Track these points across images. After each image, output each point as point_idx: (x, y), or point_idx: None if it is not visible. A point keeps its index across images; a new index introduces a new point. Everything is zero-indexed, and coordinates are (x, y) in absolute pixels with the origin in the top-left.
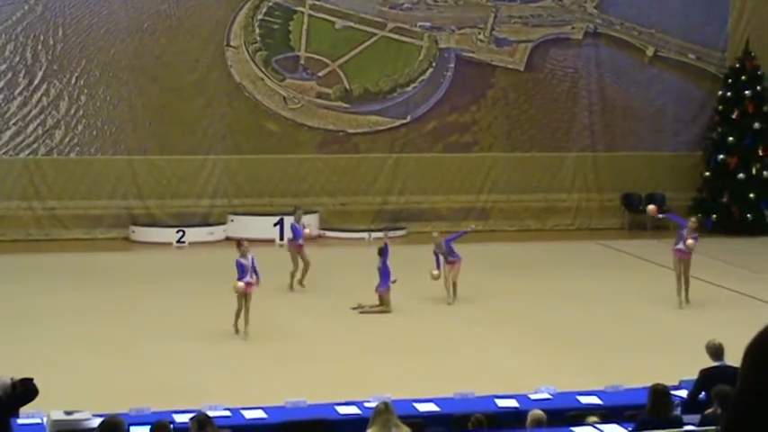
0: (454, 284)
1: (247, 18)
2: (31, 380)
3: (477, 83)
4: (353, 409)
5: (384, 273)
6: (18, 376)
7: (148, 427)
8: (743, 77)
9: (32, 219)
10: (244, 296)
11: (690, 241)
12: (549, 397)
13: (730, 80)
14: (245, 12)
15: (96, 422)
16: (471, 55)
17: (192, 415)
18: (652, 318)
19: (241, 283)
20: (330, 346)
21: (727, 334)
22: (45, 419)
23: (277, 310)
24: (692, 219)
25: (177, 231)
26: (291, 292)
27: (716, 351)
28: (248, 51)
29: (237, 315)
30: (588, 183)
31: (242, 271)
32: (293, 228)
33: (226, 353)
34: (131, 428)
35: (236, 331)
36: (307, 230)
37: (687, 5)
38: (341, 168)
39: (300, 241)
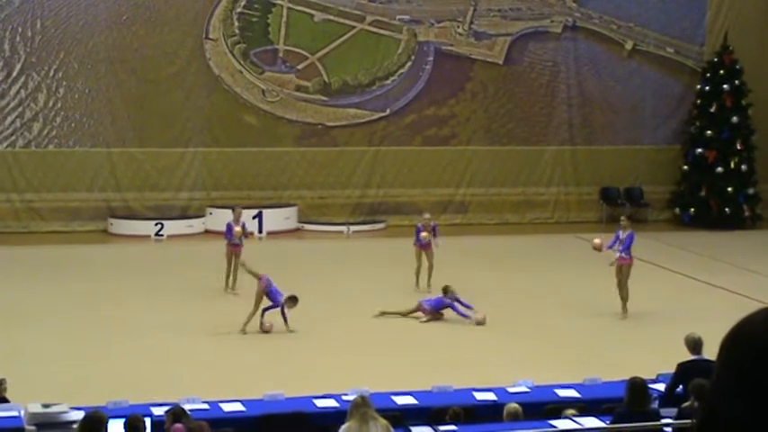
0: (431, 267)
1: (226, 11)
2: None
3: (456, 76)
4: (331, 403)
5: None
6: None
7: (124, 419)
8: (721, 71)
9: (10, 211)
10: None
11: (596, 240)
12: (527, 390)
13: (708, 74)
14: (224, 4)
15: (74, 415)
16: (450, 48)
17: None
18: (629, 311)
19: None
20: (308, 339)
21: (705, 327)
22: (22, 412)
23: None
24: (622, 217)
25: (156, 224)
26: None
27: (694, 344)
28: (227, 44)
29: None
30: (567, 176)
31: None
32: (228, 227)
33: (204, 346)
34: (109, 421)
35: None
36: (237, 228)
37: None
38: (319, 161)
39: (236, 241)
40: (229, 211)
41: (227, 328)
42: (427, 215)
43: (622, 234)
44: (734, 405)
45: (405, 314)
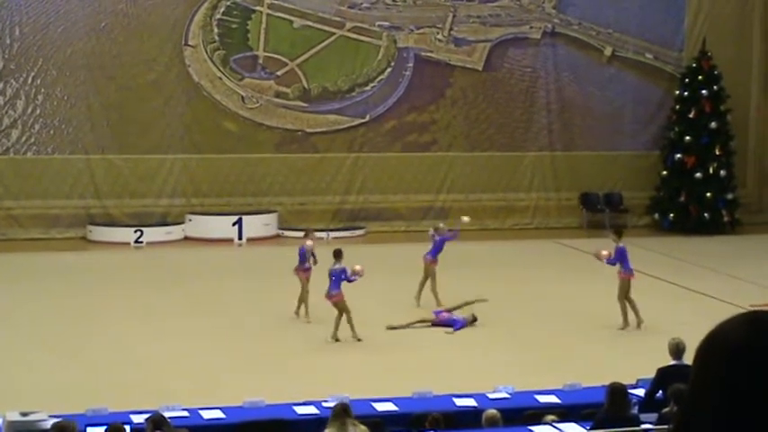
0: (423, 284)
1: (205, 17)
2: None
3: (436, 82)
4: (311, 409)
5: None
6: None
7: (104, 428)
8: (700, 77)
9: None
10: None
11: (604, 252)
12: (508, 396)
13: (687, 80)
14: (204, 11)
15: (52, 423)
16: (430, 54)
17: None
18: (610, 316)
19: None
20: (287, 345)
21: (683, 332)
22: (1, 420)
23: (233, 310)
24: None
25: (135, 231)
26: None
27: (677, 349)
28: (206, 51)
29: (301, 300)
30: (546, 182)
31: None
32: (300, 252)
33: (184, 353)
34: (88, 429)
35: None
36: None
37: (644, 5)
38: (299, 168)
39: (307, 265)
40: (210, 218)
41: (207, 335)
42: (442, 225)
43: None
44: (710, 409)
45: (416, 322)
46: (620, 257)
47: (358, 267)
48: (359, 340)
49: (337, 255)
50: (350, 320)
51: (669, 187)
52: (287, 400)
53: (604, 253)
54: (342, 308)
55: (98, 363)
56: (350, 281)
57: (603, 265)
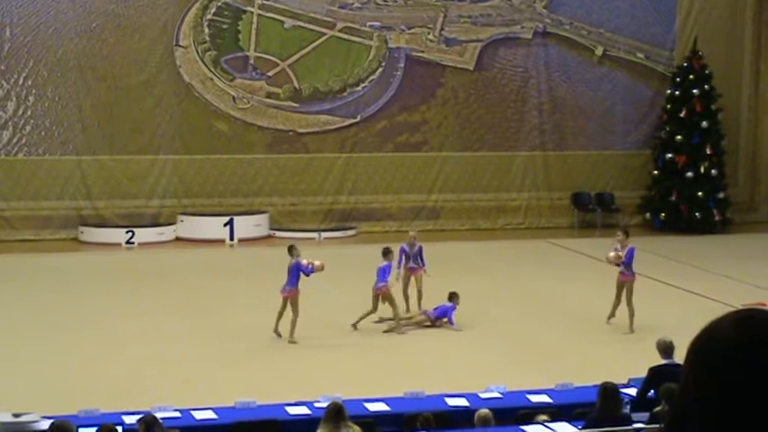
0: (419, 293)
1: (196, 18)
2: None
3: (427, 82)
4: (303, 410)
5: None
6: None
7: (96, 428)
8: (691, 76)
9: None
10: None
11: (611, 254)
12: (500, 396)
13: (678, 79)
14: (195, 12)
15: (45, 424)
16: (421, 54)
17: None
18: (601, 316)
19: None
20: (280, 346)
21: (675, 331)
22: None
23: (225, 311)
24: (618, 233)
25: (127, 232)
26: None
27: (666, 348)
28: (197, 51)
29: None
30: (538, 182)
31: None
32: (381, 271)
33: (176, 353)
34: (80, 430)
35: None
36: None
37: (635, 5)
38: (291, 168)
39: (381, 285)
40: (201, 219)
41: (199, 336)
42: (412, 233)
43: (621, 249)
44: (701, 408)
45: (406, 320)
46: (630, 258)
47: (317, 263)
48: (294, 342)
49: (291, 250)
50: (294, 321)
51: (660, 186)
52: (279, 401)
53: (620, 254)
54: (294, 304)
55: (90, 364)
56: (307, 274)
57: (595, 265)
